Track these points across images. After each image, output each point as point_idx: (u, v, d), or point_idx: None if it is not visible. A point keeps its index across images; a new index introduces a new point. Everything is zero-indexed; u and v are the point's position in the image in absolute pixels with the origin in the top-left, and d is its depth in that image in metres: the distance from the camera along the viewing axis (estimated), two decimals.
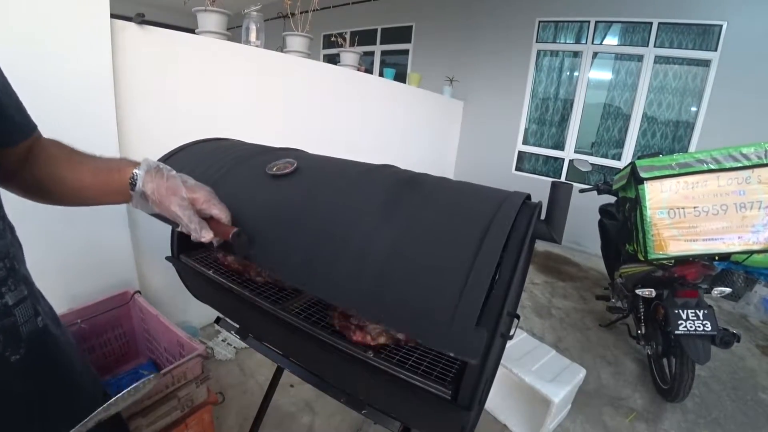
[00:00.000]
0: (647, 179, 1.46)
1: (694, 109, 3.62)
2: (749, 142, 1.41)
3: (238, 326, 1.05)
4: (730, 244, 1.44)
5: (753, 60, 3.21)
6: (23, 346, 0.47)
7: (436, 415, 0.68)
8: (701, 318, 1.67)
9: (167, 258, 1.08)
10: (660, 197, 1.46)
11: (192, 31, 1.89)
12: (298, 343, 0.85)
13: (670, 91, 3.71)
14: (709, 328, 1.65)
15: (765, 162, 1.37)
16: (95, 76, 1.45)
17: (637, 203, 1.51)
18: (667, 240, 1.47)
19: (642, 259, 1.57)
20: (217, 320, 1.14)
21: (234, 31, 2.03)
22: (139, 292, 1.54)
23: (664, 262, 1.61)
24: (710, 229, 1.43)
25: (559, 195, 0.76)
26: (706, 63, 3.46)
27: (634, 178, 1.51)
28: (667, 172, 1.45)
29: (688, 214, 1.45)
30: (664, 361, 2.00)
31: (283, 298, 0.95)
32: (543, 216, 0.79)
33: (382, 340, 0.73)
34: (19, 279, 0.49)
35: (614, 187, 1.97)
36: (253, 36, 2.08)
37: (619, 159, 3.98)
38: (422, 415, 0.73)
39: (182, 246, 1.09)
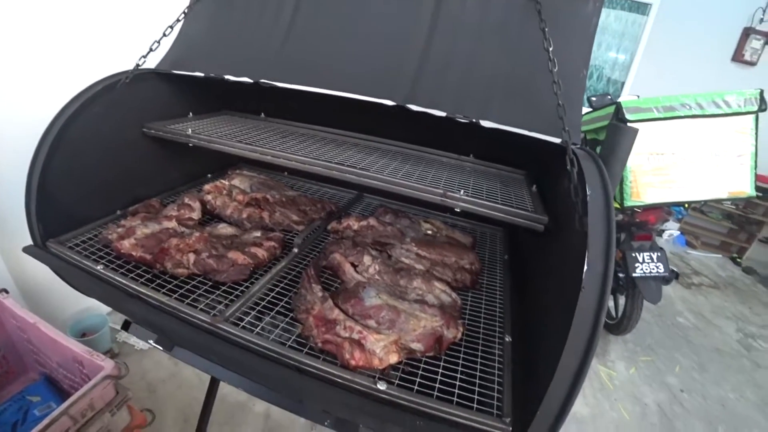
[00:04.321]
0: (632, 122, 1.35)
1: (628, 56, 3.70)
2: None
3: (156, 336, 0.73)
4: (703, 191, 1.42)
5: (690, 9, 3.29)
6: None
7: None
8: (655, 260, 1.72)
9: (26, 249, 0.69)
10: (640, 142, 1.37)
11: None
12: (255, 363, 0.58)
13: (610, 33, 3.73)
14: (662, 270, 1.71)
15: (743, 111, 1.33)
16: None
17: None
18: (644, 187, 1.42)
19: (617, 207, 1.51)
20: (126, 326, 0.80)
21: None
22: (5, 290, 1.09)
23: (637, 209, 1.59)
24: (685, 177, 1.40)
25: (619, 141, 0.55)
26: (644, 9, 3.49)
27: (618, 120, 1.39)
28: (650, 116, 1.35)
29: (666, 161, 1.39)
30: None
31: (221, 295, 0.66)
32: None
33: (393, 358, 0.49)
34: None
35: (583, 128, 1.86)
36: None
37: None
38: None
39: (50, 228, 0.70)
